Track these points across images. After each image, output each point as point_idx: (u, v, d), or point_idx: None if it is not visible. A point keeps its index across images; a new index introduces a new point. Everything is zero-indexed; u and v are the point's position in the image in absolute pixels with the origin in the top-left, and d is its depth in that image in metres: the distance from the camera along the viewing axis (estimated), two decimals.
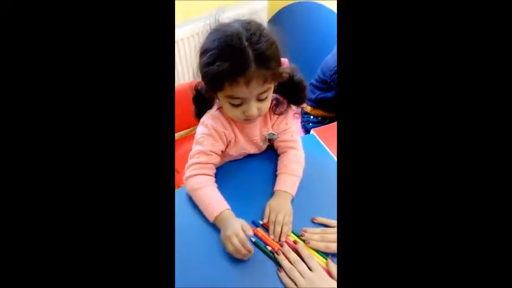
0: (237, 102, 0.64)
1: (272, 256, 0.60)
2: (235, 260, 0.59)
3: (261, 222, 0.66)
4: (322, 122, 1.42)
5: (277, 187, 0.73)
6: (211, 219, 0.66)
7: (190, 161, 0.74)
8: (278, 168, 0.78)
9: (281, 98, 0.75)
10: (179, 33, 1.48)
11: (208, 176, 0.73)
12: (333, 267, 0.58)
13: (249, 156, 0.83)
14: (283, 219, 0.65)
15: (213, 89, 0.64)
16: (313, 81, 1.39)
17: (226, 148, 0.78)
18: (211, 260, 0.60)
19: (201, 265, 0.59)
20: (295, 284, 0.55)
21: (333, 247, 0.60)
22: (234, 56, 0.58)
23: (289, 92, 0.73)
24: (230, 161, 0.83)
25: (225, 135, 0.74)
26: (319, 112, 1.42)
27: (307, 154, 0.81)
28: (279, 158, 0.80)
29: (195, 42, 1.53)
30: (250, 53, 0.58)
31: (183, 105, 0.82)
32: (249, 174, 0.78)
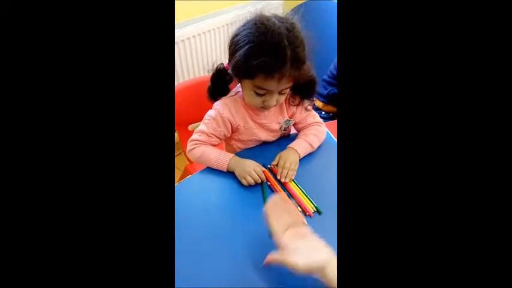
0: (262, 92, 0.71)
1: (265, 190, 0.74)
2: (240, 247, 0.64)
3: (269, 166, 0.80)
4: (333, 118, 1.44)
5: (290, 145, 0.83)
6: (224, 168, 0.78)
7: (192, 136, 0.84)
8: (298, 135, 0.88)
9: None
10: (185, 32, 1.41)
11: (206, 144, 0.83)
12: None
13: (265, 143, 0.89)
14: (289, 166, 0.77)
15: (244, 76, 0.71)
16: (325, 77, 1.41)
17: (235, 132, 0.85)
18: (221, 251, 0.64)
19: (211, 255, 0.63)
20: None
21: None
22: (277, 54, 0.64)
23: (302, 87, 0.79)
24: (246, 149, 0.88)
25: (230, 122, 0.82)
26: (330, 108, 1.44)
27: (318, 149, 0.86)
28: (302, 130, 0.90)
29: (202, 40, 1.51)
30: (289, 53, 0.65)
31: (198, 98, 0.86)
32: (265, 161, 0.82)
